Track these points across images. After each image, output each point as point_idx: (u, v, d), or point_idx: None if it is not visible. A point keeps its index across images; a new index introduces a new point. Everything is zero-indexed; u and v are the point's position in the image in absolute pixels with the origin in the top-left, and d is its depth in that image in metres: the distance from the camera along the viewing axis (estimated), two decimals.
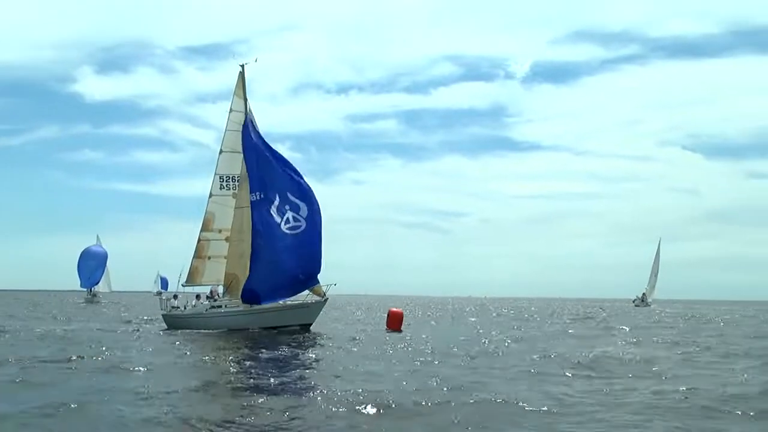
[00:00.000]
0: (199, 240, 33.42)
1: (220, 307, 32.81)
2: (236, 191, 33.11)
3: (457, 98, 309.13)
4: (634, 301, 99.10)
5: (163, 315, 34.24)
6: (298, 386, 14.67)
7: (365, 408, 11.81)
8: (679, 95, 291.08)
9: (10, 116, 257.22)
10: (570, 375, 16.85)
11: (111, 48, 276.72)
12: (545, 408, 12.16)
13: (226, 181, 33.36)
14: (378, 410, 11.73)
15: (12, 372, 15.87)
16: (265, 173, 31.36)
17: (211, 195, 33.41)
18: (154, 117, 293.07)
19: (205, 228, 33.48)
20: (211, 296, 34.18)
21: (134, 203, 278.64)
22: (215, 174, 33.38)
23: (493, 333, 32.95)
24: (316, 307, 32.87)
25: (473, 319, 50.12)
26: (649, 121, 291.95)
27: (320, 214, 31.44)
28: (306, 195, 31.40)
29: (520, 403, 12.48)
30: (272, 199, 31.09)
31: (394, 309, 36.31)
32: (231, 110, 33.54)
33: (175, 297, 34.76)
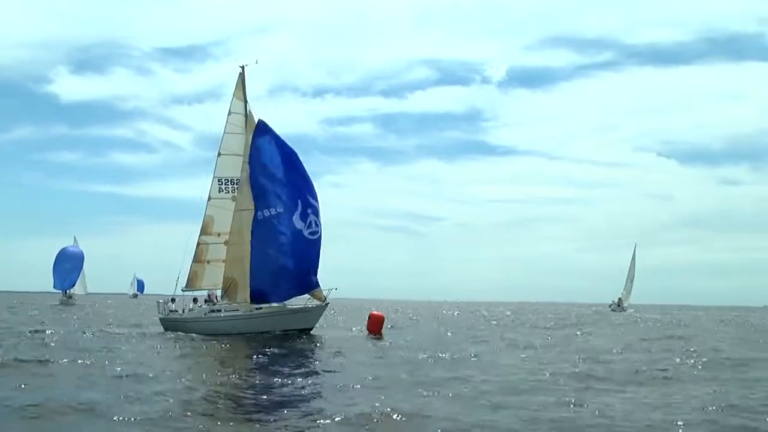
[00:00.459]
0: (198, 244, 33.07)
1: (219, 311, 32.49)
2: (235, 194, 32.81)
3: (433, 102, 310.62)
4: (610, 306, 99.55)
5: (160, 319, 33.85)
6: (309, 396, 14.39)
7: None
8: (654, 102, 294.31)
9: None
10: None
11: (87, 48, 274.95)
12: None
13: (225, 184, 33.07)
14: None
15: None
16: (290, 181, 31.46)
17: (209, 198, 33.09)
18: (130, 118, 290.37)
19: (204, 232, 33.14)
20: (209, 300, 33.85)
21: (110, 205, 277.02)
22: (213, 177, 33.06)
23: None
24: (317, 312, 32.85)
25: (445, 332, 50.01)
26: (623, 127, 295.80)
27: None
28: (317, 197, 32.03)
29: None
30: (295, 207, 31.25)
31: (375, 312, 36.36)
32: (230, 112, 33.22)
33: (173, 300, 34.34)
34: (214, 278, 33.03)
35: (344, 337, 31.64)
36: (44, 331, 30.31)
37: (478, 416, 11.97)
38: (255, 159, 31.68)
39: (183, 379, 15.92)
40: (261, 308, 32.03)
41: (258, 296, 31.54)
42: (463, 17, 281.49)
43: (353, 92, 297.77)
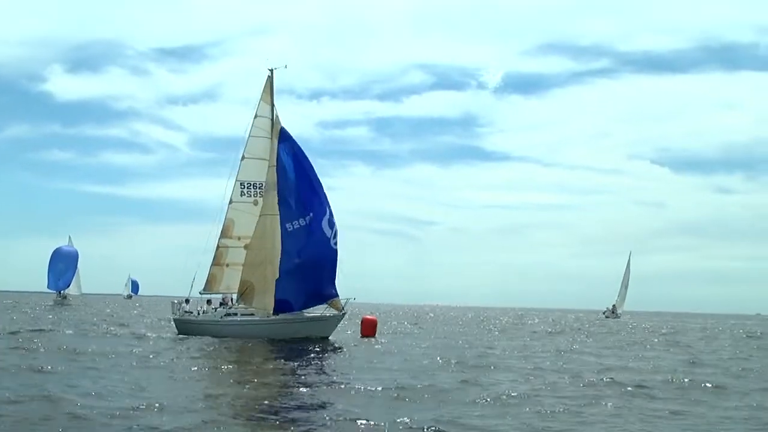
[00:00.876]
0: (218, 247, 32.81)
1: (236, 314, 32.15)
2: (257, 198, 32.63)
3: (428, 107, 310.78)
4: (604, 313, 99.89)
5: (174, 320, 33.51)
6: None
7: None
8: (648, 109, 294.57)
9: None
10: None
11: (82, 47, 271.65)
12: None
13: (247, 187, 32.86)
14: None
15: None
16: (316, 189, 31.49)
17: (231, 201, 32.86)
18: (124, 118, 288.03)
19: (224, 235, 32.88)
20: (224, 303, 33.57)
21: (105, 205, 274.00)
22: (236, 180, 32.85)
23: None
24: (334, 321, 32.67)
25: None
26: (618, 134, 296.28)
27: None
28: None
29: None
30: (324, 214, 31.18)
31: (369, 316, 36.13)
32: (256, 116, 32.95)
33: (187, 301, 33.91)
34: (232, 282, 32.72)
35: (350, 341, 31.66)
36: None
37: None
38: (281, 168, 31.53)
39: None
40: (278, 314, 31.74)
41: (283, 306, 31.23)
42: (460, 22, 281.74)
43: (349, 95, 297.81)
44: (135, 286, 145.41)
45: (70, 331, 31.80)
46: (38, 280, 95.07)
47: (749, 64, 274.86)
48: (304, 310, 32.16)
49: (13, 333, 29.09)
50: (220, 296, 33.81)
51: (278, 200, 31.14)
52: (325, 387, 15.91)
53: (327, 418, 12.02)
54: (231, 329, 31.40)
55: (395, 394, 15.02)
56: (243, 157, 32.91)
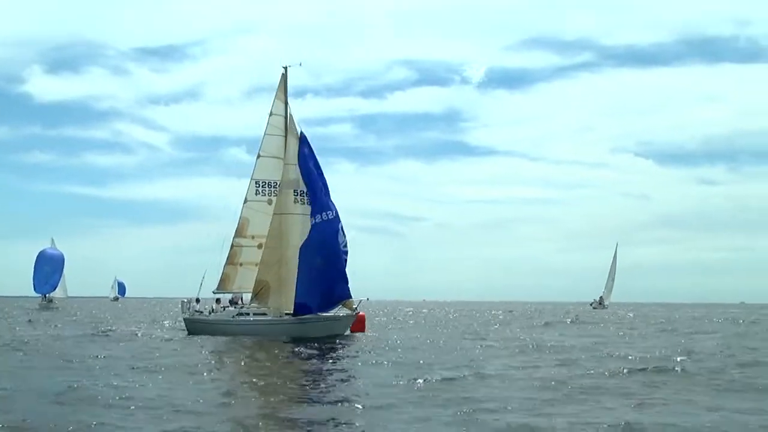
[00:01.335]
0: (232, 246, 32.57)
1: (248, 314, 31.91)
2: (272, 197, 32.51)
3: (412, 103, 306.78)
4: (591, 304, 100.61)
5: (185, 319, 33.13)
6: None
7: None
8: (632, 103, 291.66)
9: None
10: None
11: (62, 47, 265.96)
12: None
13: (262, 186, 32.70)
14: None
15: None
16: (327, 193, 31.73)
17: (246, 201, 32.71)
18: (106, 119, 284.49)
19: (238, 234, 32.68)
20: (234, 302, 33.31)
21: (87, 207, 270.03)
22: (251, 179, 32.68)
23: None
24: (347, 321, 32.75)
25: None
26: (601, 128, 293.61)
27: None
28: None
29: None
30: (339, 218, 31.50)
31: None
32: (271, 113, 32.88)
33: (197, 301, 33.59)
34: (245, 281, 32.50)
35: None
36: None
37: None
38: (306, 165, 31.73)
39: None
40: (290, 313, 31.52)
41: (302, 309, 31.09)
42: (443, 18, 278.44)
43: (332, 93, 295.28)
44: (122, 288, 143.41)
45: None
46: (21, 284, 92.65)
47: (730, 56, 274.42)
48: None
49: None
50: (229, 295, 33.52)
51: (306, 193, 31.59)
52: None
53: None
54: (244, 329, 31.00)
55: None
56: (258, 156, 32.80)
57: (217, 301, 33.31)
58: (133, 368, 18.14)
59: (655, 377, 17.38)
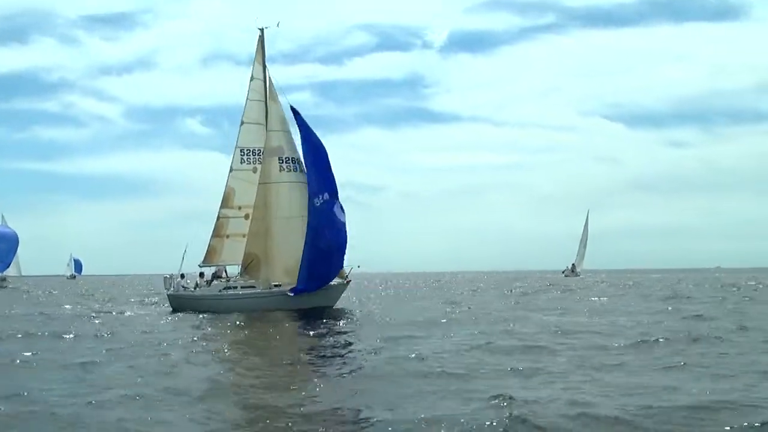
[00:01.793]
0: (218, 217, 31.55)
1: (235, 288, 30.83)
2: (257, 165, 31.35)
3: (373, 69, 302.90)
4: (563, 272, 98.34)
5: (169, 295, 31.90)
6: None
7: None
8: (598, 64, 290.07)
9: None
10: None
11: (7, 18, 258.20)
12: None
13: (247, 154, 31.54)
14: None
15: None
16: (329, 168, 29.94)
17: (231, 170, 31.58)
18: (56, 91, 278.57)
19: (224, 204, 31.55)
20: (217, 276, 32.09)
21: (38, 182, 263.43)
22: (236, 147, 31.58)
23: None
24: (338, 290, 31.99)
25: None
26: (568, 90, 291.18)
27: None
28: None
29: None
30: (337, 193, 29.88)
31: None
32: (252, 78, 31.71)
33: (182, 276, 32.36)
34: (233, 253, 31.41)
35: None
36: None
37: None
38: (307, 141, 30.15)
39: None
40: (279, 285, 30.56)
41: (301, 290, 29.95)
42: None
43: (289, 59, 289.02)
44: (78, 266, 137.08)
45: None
46: None
47: (697, 15, 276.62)
48: None
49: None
50: (212, 269, 32.30)
51: (295, 159, 30.58)
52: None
53: None
54: (233, 303, 29.99)
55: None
56: (242, 123, 31.65)
57: (201, 275, 32.14)
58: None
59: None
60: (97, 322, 25.81)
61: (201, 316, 28.20)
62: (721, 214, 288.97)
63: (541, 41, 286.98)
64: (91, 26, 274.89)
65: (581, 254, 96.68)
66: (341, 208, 29.49)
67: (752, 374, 12.67)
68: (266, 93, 31.27)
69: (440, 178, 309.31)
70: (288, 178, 30.54)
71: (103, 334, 20.88)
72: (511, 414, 9.24)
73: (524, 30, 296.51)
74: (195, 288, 31.64)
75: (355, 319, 26.65)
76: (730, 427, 8.79)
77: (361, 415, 9.91)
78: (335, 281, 31.55)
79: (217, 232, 31.48)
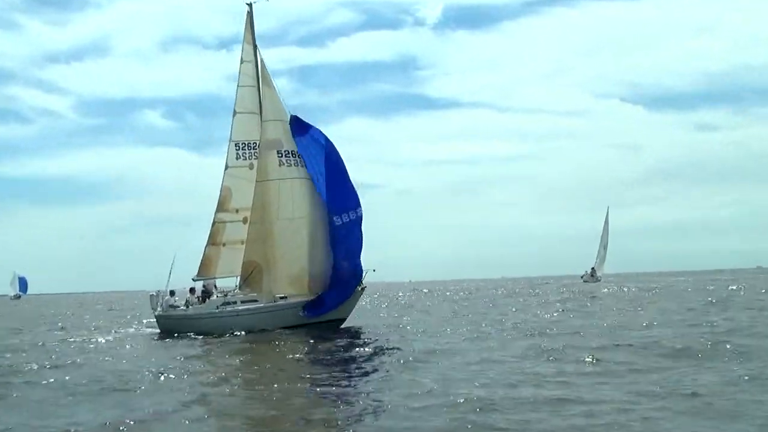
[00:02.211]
0: (214, 222, 27.94)
1: (234, 303, 26.98)
2: (253, 161, 27.78)
3: (359, 50, 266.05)
4: (582, 277, 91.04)
5: (157, 317, 27.82)
6: None
7: None
8: (614, 40, 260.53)
9: None
10: None
11: None
12: None
13: (243, 149, 27.89)
14: None
15: None
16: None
17: (227, 167, 28.01)
18: None
19: (220, 208, 27.98)
20: (206, 291, 28.13)
21: None
22: (230, 141, 27.94)
23: None
24: (353, 300, 28.04)
25: None
26: (580, 70, 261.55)
27: None
28: None
29: None
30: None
31: None
32: (242, 61, 28.00)
33: (172, 293, 28.38)
34: (230, 263, 27.70)
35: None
36: None
37: None
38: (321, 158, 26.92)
39: None
40: (285, 297, 26.91)
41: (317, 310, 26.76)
42: None
43: (264, 42, 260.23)
44: (23, 284, 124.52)
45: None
46: None
47: None
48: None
49: None
50: (212, 282, 28.50)
51: (296, 153, 26.87)
52: None
53: None
54: (234, 322, 26.21)
55: None
56: (234, 113, 27.97)
57: (192, 290, 28.23)
58: None
59: None
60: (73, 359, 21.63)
61: (196, 338, 24.78)
62: (759, 205, 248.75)
63: (548, 15, 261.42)
64: (33, 8, 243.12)
65: (601, 256, 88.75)
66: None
67: None
68: (258, 77, 27.68)
69: (438, 172, 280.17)
70: (289, 173, 26.89)
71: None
72: None
73: (529, 3, 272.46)
74: (186, 306, 27.73)
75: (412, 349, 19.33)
76: None
77: None
78: None
79: (213, 240, 27.89)
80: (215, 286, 28.34)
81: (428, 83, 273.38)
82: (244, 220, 27.54)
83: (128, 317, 38.60)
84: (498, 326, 25.63)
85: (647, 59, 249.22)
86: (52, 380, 14.98)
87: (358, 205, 26.49)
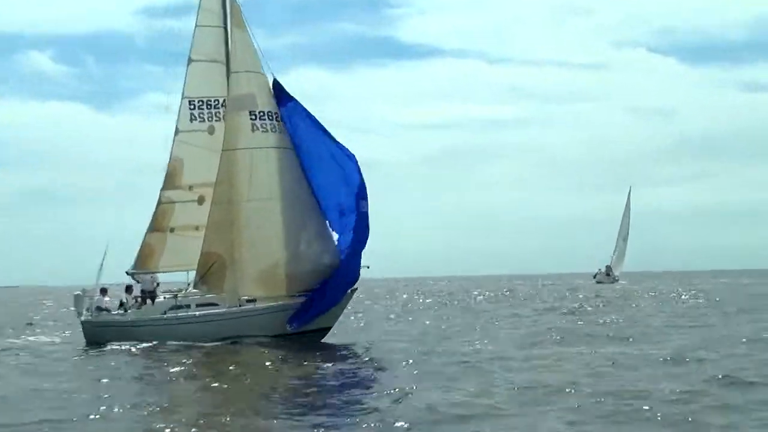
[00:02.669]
0: (159, 202, 22.31)
1: (188, 306, 21.61)
2: (213, 123, 22.34)
3: None
4: (595, 277, 76.20)
5: (83, 322, 22.10)
6: None
7: None
8: None
9: None
10: None
11: None
12: None
13: (199, 107, 22.27)
14: None
15: None
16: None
17: (177, 131, 22.33)
18: None
19: (168, 184, 22.45)
20: (147, 293, 22.42)
21: None
22: (182, 97, 22.32)
23: None
24: (341, 305, 22.61)
25: None
26: (597, 12, 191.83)
27: None
28: None
29: None
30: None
31: None
32: None
33: (104, 291, 22.64)
34: (180, 254, 22.11)
35: None
36: None
37: None
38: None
39: None
40: (254, 300, 21.69)
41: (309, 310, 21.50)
42: None
43: None
44: None
45: None
46: None
47: None
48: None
49: None
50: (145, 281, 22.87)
51: (274, 114, 21.40)
52: None
53: None
54: (187, 330, 20.95)
55: None
56: (190, 60, 22.32)
57: (128, 289, 22.69)
58: None
59: None
60: None
61: (135, 349, 20.06)
62: None
63: None
64: None
65: (621, 250, 74.51)
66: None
67: None
68: (226, 15, 22.16)
69: (414, 140, 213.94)
70: (265, 141, 21.43)
71: None
72: None
73: None
74: (122, 309, 22.21)
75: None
76: None
77: None
78: None
79: (158, 224, 22.41)
80: (157, 284, 22.76)
81: (400, 24, 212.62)
82: (200, 200, 22.32)
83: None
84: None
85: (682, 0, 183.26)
86: None
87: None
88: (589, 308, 35.51)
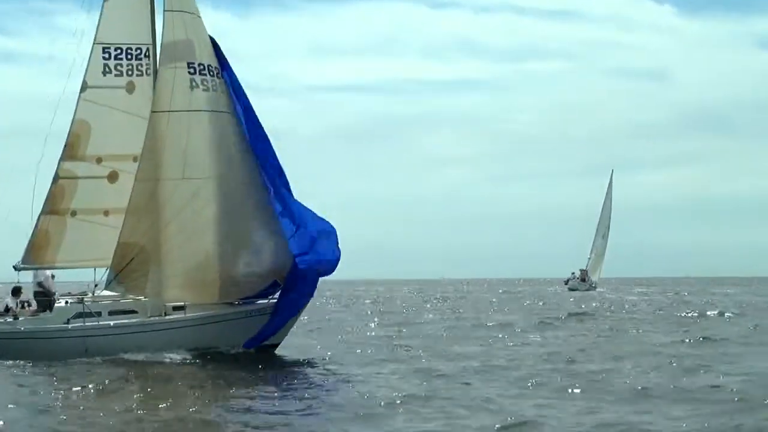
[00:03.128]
0: (57, 177, 17.93)
1: (99, 314, 17.27)
2: (134, 78, 18.11)
3: None
4: (567, 282, 66.13)
5: None
6: None
7: None
8: None
9: None
10: None
11: None
12: None
13: (117, 57, 17.98)
14: None
15: None
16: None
17: (85, 87, 17.90)
18: None
19: (69, 154, 17.99)
20: (41, 292, 18.29)
21: None
22: (93, 43, 17.97)
23: None
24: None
25: None
26: None
27: None
28: None
29: None
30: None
31: None
32: None
33: (16, 292, 18.44)
34: (84, 245, 18.03)
35: None
36: None
37: None
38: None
39: None
40: (183, 307, 17.58)
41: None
42: None
43: None
44: None
45: None
46: None
47: None
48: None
49: None
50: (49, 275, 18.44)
51: (214, 69, 17.56)
52: None
53: None
54: (105, 343, 16.98)
55: None
56: None
57: (16, 291, 18.45)
58: None
59: None
60: None
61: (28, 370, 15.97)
62: None
63: None
64: None
65: (599, 251, 61.90)
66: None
67: None
68: None
69: (333, 105, 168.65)
70: (206, 102, 17.35)
71: None
72: None
73: None
74: (9, 315, 17.75)
75: None
76: None
77: None
78: None
79: (53, 205, 17.97)
80: (51, 287, 18.46)
81: None
82: (112, 177, 18.11)
83: None
84: None
85: None
86: None
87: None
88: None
